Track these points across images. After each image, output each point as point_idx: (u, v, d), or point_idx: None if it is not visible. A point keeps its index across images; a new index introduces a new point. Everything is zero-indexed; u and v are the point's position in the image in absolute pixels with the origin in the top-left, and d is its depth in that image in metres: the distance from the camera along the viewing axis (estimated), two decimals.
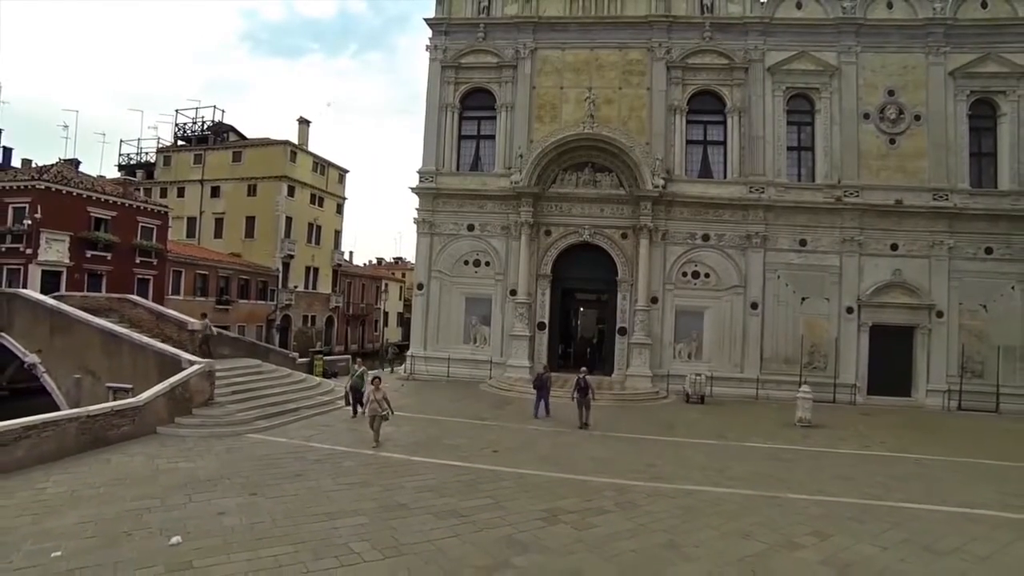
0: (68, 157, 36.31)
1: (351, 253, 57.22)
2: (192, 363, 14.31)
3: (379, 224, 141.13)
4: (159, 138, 49.13)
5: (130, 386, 14.34)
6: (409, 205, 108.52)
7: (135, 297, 21.33)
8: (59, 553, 6.85)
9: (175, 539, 7.38)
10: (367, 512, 8.68)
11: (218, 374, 15.09)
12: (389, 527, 8.08)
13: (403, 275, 68.02)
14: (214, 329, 19.30)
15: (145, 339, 15.45)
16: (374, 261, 78.90)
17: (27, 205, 26.68)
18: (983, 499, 10.70)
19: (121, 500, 8.78)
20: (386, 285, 61.02)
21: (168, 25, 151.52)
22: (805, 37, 24.56)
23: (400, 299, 65.13)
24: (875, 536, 8.50)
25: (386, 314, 60.62)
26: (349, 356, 25.45)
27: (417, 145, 28.17)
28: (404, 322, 58.67)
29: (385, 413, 12.72)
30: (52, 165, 29.65)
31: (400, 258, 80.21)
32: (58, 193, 27.43)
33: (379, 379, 14.13)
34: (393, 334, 58.69)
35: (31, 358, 16.00)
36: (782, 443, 15.24)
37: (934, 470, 13.03)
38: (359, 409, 15.67)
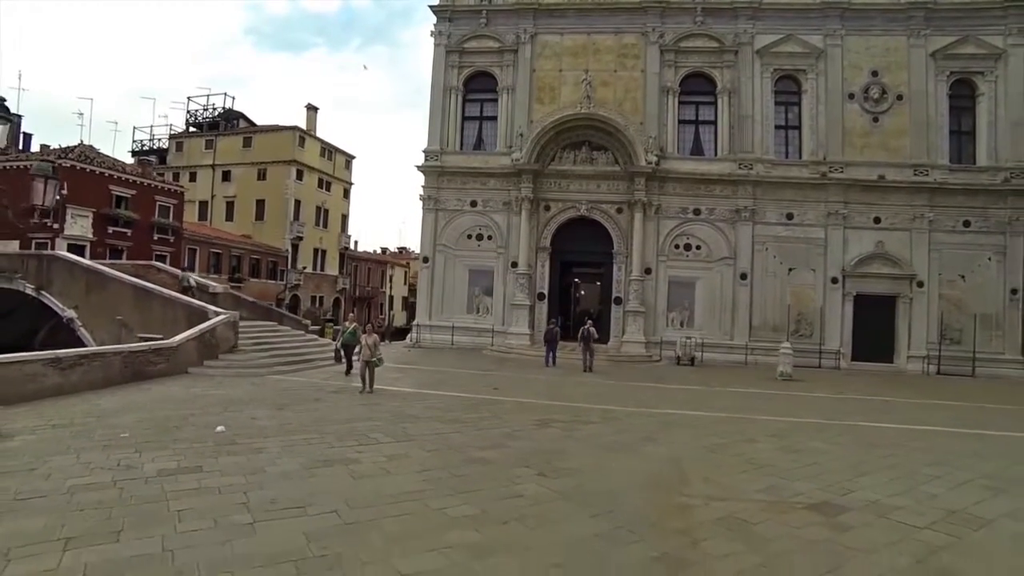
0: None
1: (356, 243, 58.46)
2: (218, 314, 15.62)
3: (381, 216, 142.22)
4: (171, 125, 50.49)
5: (161, 336, 15.65)
6: (411, 197, 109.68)
7: (158, 263, 22.67)
8: (126, 434, 8.21)
9: (220, 428, 8.71)
10: (382, 419, 10.01)
11: (240, 328, 16.39)
12: (401, 427, 9.39)
13: (407, 263, 69.24)
14: (193, 280, 19.48)
15: (174, 293, 16.75)
16: (378, 251, 79.97)
17: None
18: (932, 421, 11.96)
19: (167, 410, 10.10)
20: (392, 266, 62.41)
21: (173, 21, 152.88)
22: (792, 21, 25.56)
23: (404, 284, 66.44)
24: (827, 438, 9.77)
25: (391, 298, 61.95)
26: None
27: (419, 136, 29.50)
28: (408, 306, 59.93)
29: (376, 359, 12.83)
30: (76, 146, 31.00)
31: (404, 248, 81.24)
32: (82, 172, 28.80)
33: (371, 325, 15.19)
34: (398, 317, 60.00)
35: (69, 313, 17.32)
36: (762, 390, 16.50)
37: (897, 406, 14.29)
38: (351, 365, 15.28)
